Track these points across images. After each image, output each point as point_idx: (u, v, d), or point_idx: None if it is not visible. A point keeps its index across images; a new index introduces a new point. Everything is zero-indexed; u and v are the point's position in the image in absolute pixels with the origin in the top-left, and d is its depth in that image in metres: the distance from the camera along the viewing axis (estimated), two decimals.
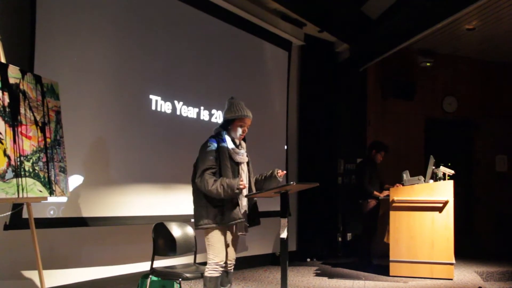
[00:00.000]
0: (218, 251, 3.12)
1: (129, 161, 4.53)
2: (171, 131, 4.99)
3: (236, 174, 3.17)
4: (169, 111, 4.99)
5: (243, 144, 3.33)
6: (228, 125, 3.27)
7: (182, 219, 4.24)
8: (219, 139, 3.20)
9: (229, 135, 3.25)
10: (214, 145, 3.15)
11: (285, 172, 3.35)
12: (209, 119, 5.39)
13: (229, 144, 3.18)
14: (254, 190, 3.28)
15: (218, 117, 5.50)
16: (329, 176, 7.14)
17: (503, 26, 6.62)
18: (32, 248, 3.28)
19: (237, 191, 3.02)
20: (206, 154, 3.13)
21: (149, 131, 4.79)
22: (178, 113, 5.03)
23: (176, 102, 4.99)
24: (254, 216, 3.25)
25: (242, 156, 3.25)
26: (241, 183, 3.01)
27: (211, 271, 3.16)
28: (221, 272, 3.16)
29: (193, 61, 5.16)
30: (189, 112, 5.19)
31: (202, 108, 5.24)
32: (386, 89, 7.89)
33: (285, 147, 6.57)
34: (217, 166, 3.11)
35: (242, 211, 3.13)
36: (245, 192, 3.17)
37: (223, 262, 3.17)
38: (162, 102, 4.88)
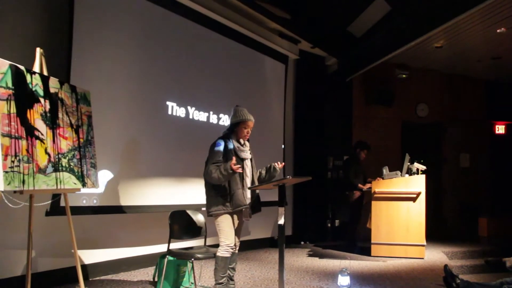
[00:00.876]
0: (227, 234, 3.08)
1: (150, 159, 4.42)
2: (185, 132, 4.79)
3: (242, 170, 3.17)
4: (183, 115, 4.79)
5: (247, 143, 3.29)
6: (234, 128, 3.26)
7: (194, 208, 4.33)
8: (226, 139, 3.19)
9: (235, 136, 3.23)
10: (221, 144, 3.13)
11: (284, 163, 3.31)
12: (217, 122, 5.22)
13: (235, 143, 3.16)
14: (256, 183, 3.24)
15: (225, 120, 5.32)
16: (320, 171, 7.02)
17: (465, 45, 6.69)
18: (68, 231, 3.28)
19: (230, 171, 2.97)
20: (214, 152, 3.11)
21: (166, 133, 4.60)
22: (190, 117, 4.86)
23: (189, 107, 4.85)
24: (256, 204, 3.22)
25: (246, 153, 3.21)
26: (232, 164, 2.95)
27: (223, 252, 3.13)
28: (231, 252, 3.12)
29: (203, 72, 5.07)
30: (200, 116, 4.98)
31: (211, 112, 5.11)
32: (369, 96, 7.84)
33: (283, 146, 6.43)
34: (223, 162, 3.08)
35: (247, 200, 3.10)
36: (248, 184, 3.13)
37: (233, 244, 3.12)
38: (177, 107, 4.72)
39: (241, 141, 3.21)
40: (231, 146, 3.12)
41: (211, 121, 5.21)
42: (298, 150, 6.94)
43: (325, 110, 7.25)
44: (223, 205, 3.08)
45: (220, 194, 3.11)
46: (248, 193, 3.10)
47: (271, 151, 6.15)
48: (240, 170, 2.96)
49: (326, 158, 7.19)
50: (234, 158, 2.99)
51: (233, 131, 3.21)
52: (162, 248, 4.56)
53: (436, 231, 7.51)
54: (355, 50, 6.79)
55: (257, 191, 3.18)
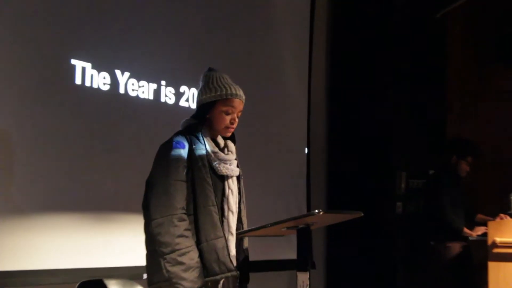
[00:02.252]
0: None
1: (37, 175, 3.08)
2: (109, 121, 3.35)
3: (220, 197, 2.32)
4: (105, 88, 3.23)
5: (231, 146, 2.46)
6: (205, 113, 2.39)
7: (127, 274, 3.17)
8: (192, 137, 2.36)
9: (208, 129, 2.40)
10: (182, 148, 2.30)
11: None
12: (175, 102, 3.50)
13: (209, 145, 2.35)
14: (245, 224, 2.49)
15: (191, 98, 3.76)
16: (380, 199, 5.22)
17: None
18: None
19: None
20: (169, 163, 2.26)
21: (70, 123, 3.16)
22: (121, 90, 3.31)
23: (118, 72, 3.23)
24: (242, 268, 2.44)
25: (231, 165, 2.38)
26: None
27: None
28: None
29: (148, 4, 3.72)
30: (142, 90, 3.31)
31: (163, 83, 3.50)
32: (484, 50, 5.63)
33: (306, 150, 4.62)
34: (188, 183, 2.25)
35: (232, 259, 2.32)
36: (233, 225, 2.37)
37: None
38: (94, 72, 3.22)
39: (220, 139, 2.46)
40: (201, 150, 2.34)
41: (162, 99, 3.74)
42: (336, 158, 5.04)
43: (389, 80, 5.52)
44: (183, 271, 2.22)
45: None
46: (233, 245, 2.36)
47: (281, 160, 4.55)
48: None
49: (392, 174, 5.51)
50: (230, 200, 2.33)
51: (203, 120, 2.44)
52: None
53: None
54: None
55: (246, 243, 2.51)
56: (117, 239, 3.39)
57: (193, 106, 3.75)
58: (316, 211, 2.24)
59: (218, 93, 2.32)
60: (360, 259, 5.30)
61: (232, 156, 2.36)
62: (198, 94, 2.36)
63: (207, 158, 2.25)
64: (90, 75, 3.36)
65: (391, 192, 5.53)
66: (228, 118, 2.32)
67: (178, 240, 2.08)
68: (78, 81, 3.29)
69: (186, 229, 2.11)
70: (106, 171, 3.38)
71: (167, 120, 3.48)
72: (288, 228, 2.22)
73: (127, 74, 3.53)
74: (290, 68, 4.91)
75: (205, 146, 2.27)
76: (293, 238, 2.36)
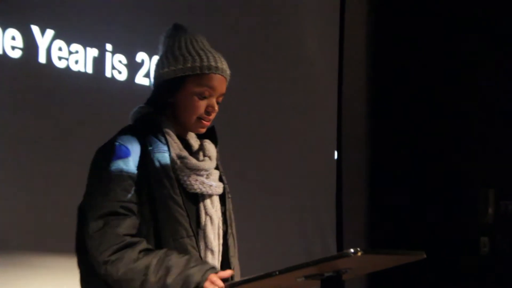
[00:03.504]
0: None
1: None
2: (23, 107, 3.02)
3: (195, 225, 1.91)
4: (15, 54, 2.89)
5: (210, 148, 1.95)
6: (167, 96, 1.91)
7: None
8: (147, 135, 1.89)
9: (172, 123, 1.92)
10: (128, 155, 1.88)
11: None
12: (128, 78, 3.24)
13: (174, 147, 1.89)
14: (236, 270, 1.99)
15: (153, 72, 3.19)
16: (454, 232, 4.68)
17: None
18: None
19: None
20: (108, 180, 1.86)
21: None
22: (41, 59, 2.90)
23: (35, 30, 2.87)
24: None
25: (208, 177, 1.93)
26: (214, 279, 1.81)
27: None
28: None
29: None
30: (74, 58, 2.90)
31: (109, 48, 3.13)
32: None
33: (335, 155, 4.23)
34: (143, 207, 1.87)
35: None
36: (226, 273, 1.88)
37: None
38: None
39: (193, 138, 1.99)
40: (162, 155, 1.90)
41: (113, 73, 3.30)
42: (381, 167, 4.84)
43: (461, 58, 4.82)
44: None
45: None
46: None
47: (299, 170, 4.26)
48: None
49: (474, 193, 4.84)
50: (208, 232, 1.98)
51: (164, 108, 1.96)
52: None
53: None
54: None
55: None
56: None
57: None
58: (352, 250, 1.84)
59: (189, 65, 1.90)
60: None
61: (210, 163, 1.93)
62: (157, 65, 1.93)
63: (173, 167, 1.86)
64: None
65: (471, 220, 4.78)
66: (203, 104, 1.89)
67: (130, 269, 1.85)
68: None
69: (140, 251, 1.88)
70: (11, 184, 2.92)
71: (115, 105, 2.99)
72: (307, 278, 1.92)
73: (50, 32, 2.94)
74: (316, 56, 4.47)
75: (168, 148, 1.87)
76: None
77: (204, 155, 1.92)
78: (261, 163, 3.69)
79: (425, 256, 1.92)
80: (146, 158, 1.83)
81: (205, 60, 1.85)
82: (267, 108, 3.77)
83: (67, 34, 2.98)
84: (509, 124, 4.81)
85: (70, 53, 2.95)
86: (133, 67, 3.25)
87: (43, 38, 2.91)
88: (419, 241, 4.00)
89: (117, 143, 1.82)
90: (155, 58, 3.09)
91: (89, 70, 3.04)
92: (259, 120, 3.69)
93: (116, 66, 3.13)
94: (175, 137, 1.85)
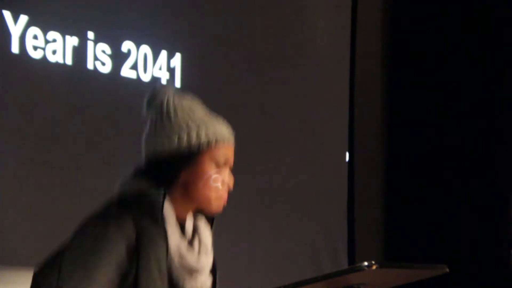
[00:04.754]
0: None
1: None
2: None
3: None
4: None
5: (204, 233, 1.78)
6: (175, 175, 1.72)
7: None
8: (143, 217, 1.67)
9: (179, 204, 1.73)
10: (117, 238, 1.67)
11: None
12: (113, 70, 3.08)
13: (173, 240, 1.69)
14: None
15: (142, 64, 3.21)
16: (481, 244, 4.46)
17: None
18: None
19: None
20: (92, 264, 1.65)
21: None
22: (14, 48, 2.82)
23: (7, 15, 2.78)
24: None
25: (201, 276, 1.73)
26: None
27: None
28: None
29: None
30: (51, 47, 2.89)
31: (90, 37, 2.97)
32: None
33: (346, 157, 4.26)
34: None
35: None
36: None
37: None
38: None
39: (190, 221, 1.83)
40: (160, 247, 1.72)
41: (95, 65, 3.19)
42: (400, 172, 4.76)
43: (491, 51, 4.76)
44: None
45: None
46: None
47: (309, 172, 4.25)
48: None
49: (504, 199, 4.63)
50: None
51: (168, 186, 1.73)
52: None
53: None
54: None
55: None
56: None
57: (145, 77, 3.11)
58: (366, 263, 1.83)
59: (203, 138, 1.78)
60: None
61: (206, 258, 1.76)
62: (150, 140, 1.73)
63: (168, 263, 1.68)
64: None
65: (501, 230, 4.62)
66: (219, 178, 1.77)
67: None
68: None
69: None
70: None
71: (98, 101, 2.85)
72: None
73: (24, 18, 2.82)
74: (324, 50, 4.36)
75: (165, 237, 1.70)
76: None
77: (200, 243, 1.75)
78: (270, 166, 3.60)
79: (447, 270, 1.83)
80: (139, 250, 1.68)
81: (218, 130, 1.71)
82: (276, 109, 3.68)
83: (43, 21, 2.85)
84: None
85: (47, 42, 2.82)
86: (118, 57, 3.08)
87: (16, 26, 2.79)
88: (441, 253, 3.89)
89: (108, 224, 1.64)
90: (144, 47, 2.96)
91: (69, 61, 2.89)
92: (267, 122, 3.61)
93: (99, 57, 2.98)
94: (174, 226, 1.69)
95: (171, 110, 1.71)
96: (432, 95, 4.64)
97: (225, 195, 1.71)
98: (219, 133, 1.70)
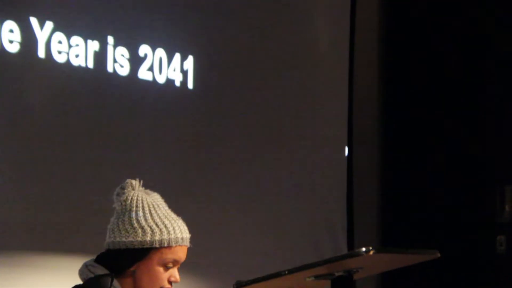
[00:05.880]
0: None
1: None
2: (20, 105, 3.00)
3: None
4: (13, 48, 2.92)
5: None
6: (127, 265, 1.93)
7: None
8: None
9: None
10: None
11: None
12: (131, 72, 3.22)
13: None
14: None
15: (157, 66, 3.39)
16: (469, 231, 4.75)
17: None
18: None
19: None
20: None
21: None
22: (40, 53, 2.92)
23: (34, 22, 2.85)
24: None
25: None
26: None
27: None
28: None
29: None
30: (74, 51, 2.91)
31: (110, 41, 3.13)
32: None
33: (345, 152, 4.36)
34: None
35: None
36: None
37: None
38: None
39: None
40: None
41: (115, 67, 3.31)
42: (395, 164, 4.90)
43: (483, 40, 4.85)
44: None
45: None
46: None
47: (310, 166, 4.33)
48: None
49: (490, 189, 4.82)
50: None
51: (121, 274, 1.96)
52: None
53: None
54: None
55: None
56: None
57: (160, 79, 3.32)
58: (363, 249, 1.94)
59: (156, 237, 1.95)
60: None
61: None
62: (117, 231, 1.93)
63: None
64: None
65: (488, 218, 4.77)
66: (166, 275, 1.93)
67: None
68: None
69: None
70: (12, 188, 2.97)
71: (117, 102, 3.03)
72: (317, 277, 2.03)
73: (49, 25, 2.95)
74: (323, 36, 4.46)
75: None
76: None
77: None
78: (270, 160, 3.71)
79: (439, 255, 1.97)
80: None
81: (172, 232, 1.90)
82: (276, 105, 3.79)
83: (67, 27, 2.98)
84: None
85: (70, 46, 2.95)
86: (136, 61, 3.23)
87: (42, 31, 2.91)
88: (433, 239, 4.06)
89: None
90: (159, 51, 3.18)
91: (90, 64, 3.04)
92: (268, 117, 3.71)
93: (118, 60, 3.12)
94: None
95: (133, 207, 1.90)
96: (424, 94, 4.77)
97: None
98: (172, 236, 1.88)
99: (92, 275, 1.80)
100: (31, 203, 3.11)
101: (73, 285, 1.87)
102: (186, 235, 1.91)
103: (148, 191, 1.91)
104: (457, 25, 4.89)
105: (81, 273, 1.85)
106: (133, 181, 1.93)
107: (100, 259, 1.84)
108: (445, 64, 4.81)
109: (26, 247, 3.10)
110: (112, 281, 1.81)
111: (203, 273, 3.49)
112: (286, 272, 1.87)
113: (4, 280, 2.99)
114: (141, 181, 1.96)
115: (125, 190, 1.88)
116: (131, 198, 1.89)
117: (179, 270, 1.93)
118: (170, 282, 1.87)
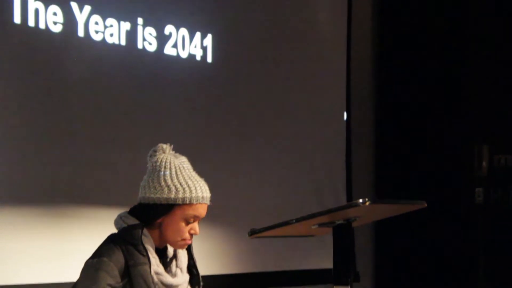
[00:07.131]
0: None
1: None
2: (62, 78, 3.03)
3: None
4: (57, 28, 2.87)
5: (182, 257, 2.21)
6: (155, 217, 2.15)
7: None
8: (129, 248, 2.09)
9: (156, 238, 2.17)
10: (115, 270, 2.06)
11: None
12: (158, 49, 3.30)
13: (153, 263, 2.09)
14: None
15: (181, 44, 3.58)
16: (451, 184, 5.01)
17: None
18: None
19: None
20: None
21: (7, 80, 2.98)
22: (80, 32, 2.91)
23: (74, 6, 2.87)
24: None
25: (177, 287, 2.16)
26: None
27: None
28: None
29: None
30: (109, 31, 2.88)
31: (140, 22, 3.25)
32: None
33: (344, 116, 4.33)
34: None
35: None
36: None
37: None
38: (40, 5, 2.90)
39: (169, 251, 2.21)
40: (144, 269, 2.09)
41: (144, 45, 3.50)
42: (387, 127, 5.05)
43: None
44: None
45: None
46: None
47: (311, 130, 4.41)
48: None
49: (470, 148, 5.04)
50: None
51: (149, 225, 2.16)
52: None
53: None
54: None
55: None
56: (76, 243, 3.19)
57: (183, 54, 3.58)
58: (360, 200, 2.00)
59: (180, 195, 2.10)
60: (424, 268, 4.87)
61: (182, 277, 2.15)
62: (147, 188, 2.11)
63: (152, 280, 2.07)
64: (34, 10, 2.99)
65: (467, 173, 5.06)
66: (187, 228, 2.10)
67: None
68: (17, 19, 2.95)
69: None
70: (59, 153, 3.18)
71: (146, 75, 3.24)
72: (320, 225, 2.12)
73: (87, 8, 3.15)
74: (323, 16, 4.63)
75: (148, 260, 2.06)
76: (329, 240, 2.16)
77: (177, 266, 2.16)
78: (280, 126, 3.94)
79: (426, 205, 2.09)
80: (129, 270, 2.06)
81: (193, 191, 2.07)
82: (285, 77, 4.01)
83: (102, 9, 3.24)
84: (504, 86, 5.03)
85: (106, 27, 3.22)
86: (162, 39, 3.46)
87: (81, 14, 3.15)
88: (420, 191, 4.26)
89: (104, 258, 2.02)
90: (182, 30, 3.42)
91: (123, 42, 3.28)
92: (277, 87, 3.91)
93: (146, 38, 3.39)
94: (154, 253, 2.08)
95: (162, 168, 2.08)
96: (413, 64, 5.10)
97: (189, 241, 2.13)
98: (194, 195, 2.06)
99: (125, 225, 2.00)
100: (76, 165, 3.33)
101: (110, 233, 2.07)
102: (207, 194, 2.10)
103: (177, 154, 2.11)
104: (456, 25, 5.13)
105: (116, 223, 2.06)
106: (164, 145, 2.12)
107: (132, 211, 2.04)
108: (436, 30, 5.08)
109: (71, 201, 3.31)
110: (142, 230, 2.00)
111: (222, 223, 3.67)
112: (294, 221, 2.00)
113: (53, 229, 3.22)
114: (172, 145, 2.14)
115: (157, 153, 2.06)
116: (161, 160, 2.06)
117: (199, 223, 2.13)
118: (190, 234, 2.08)
